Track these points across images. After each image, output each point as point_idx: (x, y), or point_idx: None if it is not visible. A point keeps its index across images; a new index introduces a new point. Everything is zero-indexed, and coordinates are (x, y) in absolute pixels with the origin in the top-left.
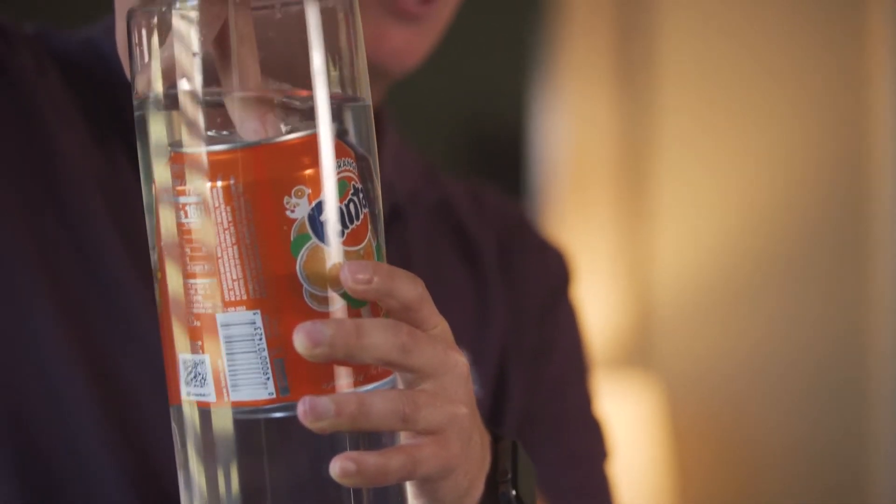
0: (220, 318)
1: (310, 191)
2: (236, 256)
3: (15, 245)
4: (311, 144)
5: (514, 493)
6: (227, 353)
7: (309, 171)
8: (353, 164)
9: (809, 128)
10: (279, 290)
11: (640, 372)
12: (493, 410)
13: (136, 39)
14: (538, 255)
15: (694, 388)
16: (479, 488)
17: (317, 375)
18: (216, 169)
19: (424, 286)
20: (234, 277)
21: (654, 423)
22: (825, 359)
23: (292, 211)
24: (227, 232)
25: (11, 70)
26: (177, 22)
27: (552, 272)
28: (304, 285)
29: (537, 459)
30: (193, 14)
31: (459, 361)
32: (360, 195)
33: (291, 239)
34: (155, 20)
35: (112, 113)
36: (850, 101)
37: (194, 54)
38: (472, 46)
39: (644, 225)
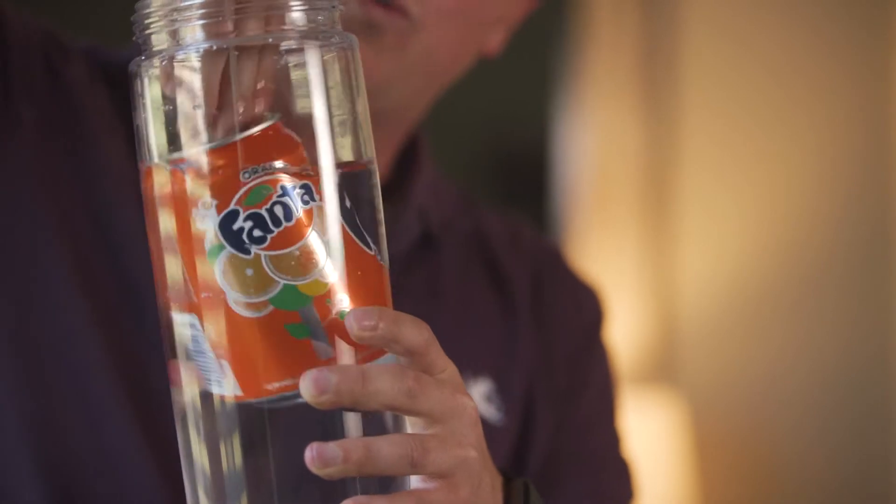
0: (174, 316)
1: (217, 201)
2: (172, 261)
3: (52, 250)
4: (217, 154)
5: None
6: (180, 350)
7: (210, 182)
8: (285, 165)
9: (833, 145)
10: (207, 296)
11: (664, 387)
12: (519, 444)
13: (138, 91)
14: (572, 293)
15: (718, 404)
16: None
17: (260, 376)
18: (155, 179)
19: (430, 331)
20: (173, 279)
21: (679, 438)
22: (851, 374)
23: (202, 221)
24: (166, 237)
25: (66, 77)
26: (178, 73)
27: (585, 312)
28: (227, 292)
29: (564, 497)
30: (196, 65)
31: (468, 405)
32: (293, 193)
33: (207, 249)
34: (157, 72)
35: None
36: (876, 120)
37: (196, 107)
38: (495, 65)
39: (668, 242)
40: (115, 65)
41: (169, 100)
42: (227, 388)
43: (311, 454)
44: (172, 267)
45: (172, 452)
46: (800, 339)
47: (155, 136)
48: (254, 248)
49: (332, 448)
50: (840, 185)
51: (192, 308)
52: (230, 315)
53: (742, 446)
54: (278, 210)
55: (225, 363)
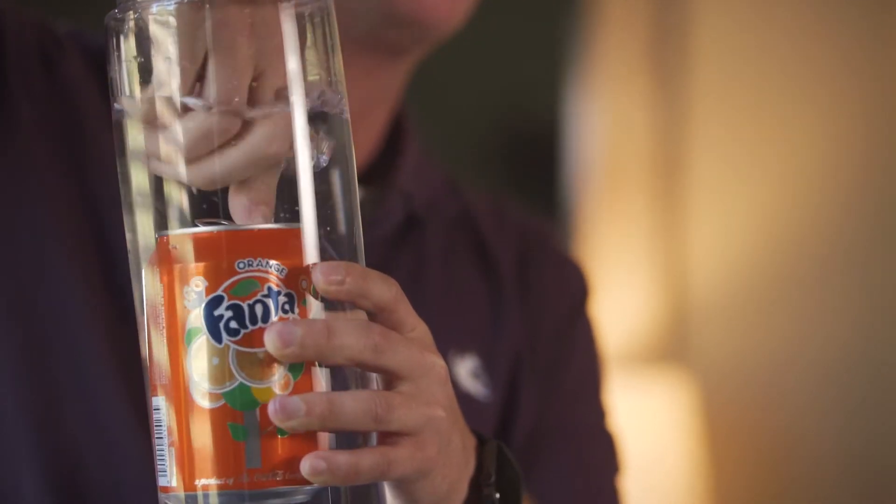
0: (153, 400)
1: (207, 283)
2: (156, 339)
3: (53, 245)
4: (217, 240)
5: (497, 496)
6: (154, 437)
7: (206, 264)
8: (280, 268)
9: (842, 127)
10: (173, 379)
11: (674, 368)
12: (503, 419)
13: (113, 45)
14: (557, 270)
15: (729, 385)
16: (461, 491)
17: (193, 469)
18: (156, 252)
19: (399, 288)
20: (155, 361)
21: (689, 418)
22: (861, 354)
23: (189, 301)
24: (153, 314)
25: (62, 72)
26: (153, 26)
27: (570, 288)
28: (192, 377)
29: (548, 470)
30: (170, 19)
31: (437, 364)
32: (276, 298)
33: (186, 329)
34: (131, 24)
35: None
36: (885, 104)
37: (167, 59)
38: (506, 46)
39: (678, 222)
40: (101, 51)
41: (143, 52)
42: (166, 477)
43: (274, 407)
44: (154, 342)
45: None
46: (810, 319)
47: (128, 88)
48: (226, 339)
49: (295, 401)
50: (850, 166)
51: (161, 390)
52: (188, 401)
53: (753, 426)
54: (258, 308)
55: (171, 451)
